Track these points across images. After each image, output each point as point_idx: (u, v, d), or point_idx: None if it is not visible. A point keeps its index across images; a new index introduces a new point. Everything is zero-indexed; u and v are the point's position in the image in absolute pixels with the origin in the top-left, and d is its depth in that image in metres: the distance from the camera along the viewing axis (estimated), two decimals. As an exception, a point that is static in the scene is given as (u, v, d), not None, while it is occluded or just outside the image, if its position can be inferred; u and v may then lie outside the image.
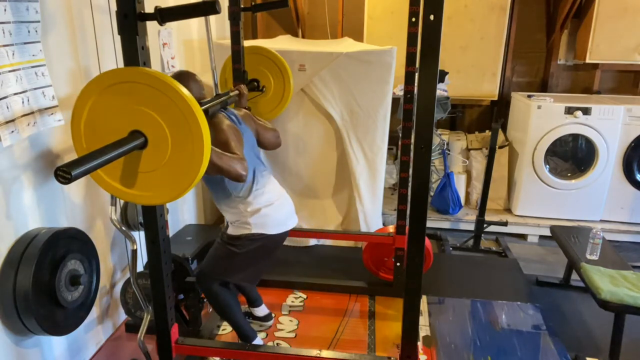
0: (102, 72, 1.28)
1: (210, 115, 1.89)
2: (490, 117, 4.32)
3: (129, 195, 1.35)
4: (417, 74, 1.35)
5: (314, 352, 1.81)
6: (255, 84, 2.62)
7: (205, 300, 2.37)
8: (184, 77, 1.93)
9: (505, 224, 3.59)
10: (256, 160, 2.12)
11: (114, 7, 1.36)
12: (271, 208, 2.07)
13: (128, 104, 1.25)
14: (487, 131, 4.21)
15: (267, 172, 2.17)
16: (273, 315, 2.57)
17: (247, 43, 2.68)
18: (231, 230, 2.10)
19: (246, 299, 2.53)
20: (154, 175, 1.31)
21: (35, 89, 1.76)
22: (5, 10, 1.61)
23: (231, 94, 2.17)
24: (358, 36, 4.11)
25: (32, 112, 1.75)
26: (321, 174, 3.47)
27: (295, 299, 2.78)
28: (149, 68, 1.27)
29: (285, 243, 2.26)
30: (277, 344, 2.38)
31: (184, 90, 1.23)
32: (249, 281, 2.25)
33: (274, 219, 2.08)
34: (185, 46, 3.11)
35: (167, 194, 1.33)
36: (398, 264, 2.70)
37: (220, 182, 1.98)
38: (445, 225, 3.91)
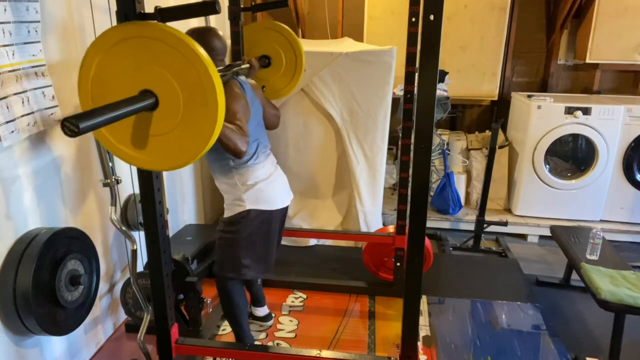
0: (115, 25, 1.20)
1: (222, 82, 1.86)
2: (490, 117, 4.32)
3: (135, 159, 1.29)
4: (417, 74, 1.35)
5: (314, 352, 1.81)
6: (267, 60, 2.57)
7: (205, 300, 2.37)
8: (206, 33, 1.88)
9: (505, 224, 3.59)
10: (261, 133, 2.09)
11: (114, 7, 1.36)
12: (265, 183, 2.04)
13: (141, 61, 1.18)
14: (487, 131, 4.21)
15: (268, 149, 2.15)
16: (273, 315, 2.57)
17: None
18: (227, 214, 2.07)
19: (251, 298, 2.52)
20: (163, 140, 1.24)
21: (35, 89, 1.76)
22: (5, 10, 1.61)
23: (242, 65, 2.13)
24: (358, 36, 4.11)
25: (32, 112, 1.75)
26: (321, 174, 3.47)
27: (295, 299, 2.78)
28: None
29: (285, 243, 2.26)
30: (277, 344, 2.38)
31: (203, 52, 1.16)
32: (260, 267, 2.16)
33: (268, 194, 2.05)
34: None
35: (175, 161, 1.27)
36: (398, 264, 2.70)
37: (219, 148, 1.88)
38: (445, 225, 3.91)
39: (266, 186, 2.04)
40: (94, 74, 1.23)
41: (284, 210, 2.18)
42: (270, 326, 2.52)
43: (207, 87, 1.17)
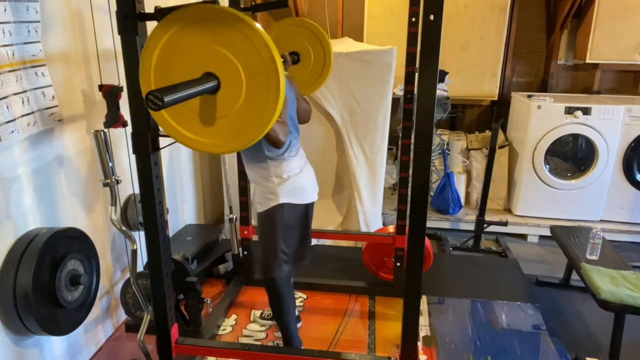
0: (186, 5, 1.21)
1: None
2: (490, 117, 4.32)
3: (192, 141, 1.31)
4: (417, 74, 1.35)
5: (314, 352, 1.81)
6: (296, 57, 2.56)
7: (205, 300, 2.37)
8: None
9: (505, 224, 3.59)
10: (294, 126, 2.11)
11: (114, 7, 1.36)
12: (297, 177, 2.07)
13: (206, 44, 1.20)
14: (487, 131, 4.21)
15: (299, 142, 2.18)
16: (300, 317, 2.55)
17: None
18: (260, 208, 2.09)
19: None
20: (221, 123, 1.26)
21: (35, 89, 1.76)
22: (5, 10, 1.61)
23: None
24: (358, 36, 4.11)
25: (32, 112, 1.75)
26: (321, 174, 3.44)
27: (295, 299, 2.78)
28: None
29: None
30: (277, 344, 2.37)
31: (269, 39, 1.18)
32: (301, 252, 2.20)
33: (300, 188, 2.08)
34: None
35: (231, 144, 1.28)
36: (398, 264, 2.70)
37: None
38: (445, 225, 3.91)
39: (298, 180, 2.08)
40: (157, 57, 1.24)
41: (312, 205, 2.21)
42: (300, 327, 2.50)
43: (271, 71, 1.18)
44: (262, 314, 2.57)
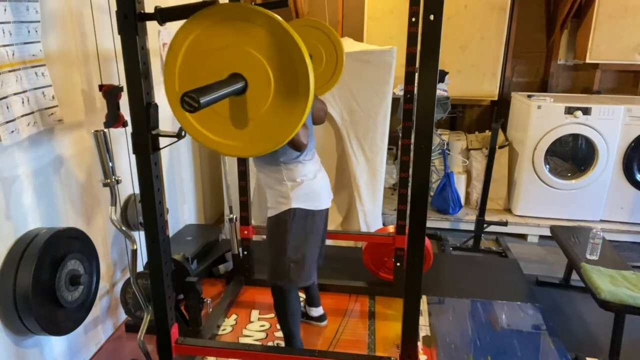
0: (216, 5, 1.20)
1: None
2: (490, 117, 4.32)
3: (217, 144, 1.29)
4: (417, 74, 1.34)
5: (314, 352, 1.81)
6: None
7: (205, 300, 2.37)
8: None
9: (505, 224, 3.59)
10: (310, 128, 2.05)
11: (114, 7, 1.36)
12: (311, 182, 2.00)
13: (235, 44, 1.18)
14: (487, 131, 4.21)
15: (314, 143, 2.11)
16: (326, 316, 2.54)
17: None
18: (271, 212, 2.02)
19: (306, 298, 2.50)
20: (247, 125, 1.24)
21: (35, 89, 1.76)
22: (5, 10, 1.61)
23: None
24: (358, 36, 4.11)
25: (32, 112, 1.75)
26: (321, 174, 3.46)
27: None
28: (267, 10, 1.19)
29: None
30: (277, 344, 2.37)
31: (302, 43, 1.16)
32: (308, 270, 2.09)
33: (313, 193, 2.01)
34: (185, 46, 3.10)
35: (258, 146, 1.26)
36: (398, 264, 2.70)
37: None
38: (445, 225, 3.91)
39: (312, 185, 2.00)
40: (182, 57, 1.23)
41: (327, 212, 2.14)
42: (325, 326, 2.50)
43: (301, 73, 1.16)
44: None
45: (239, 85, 1.19)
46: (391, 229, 2.78)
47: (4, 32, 1.61)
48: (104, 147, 1.84)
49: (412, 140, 2.42)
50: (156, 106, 1.47)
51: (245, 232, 2.74)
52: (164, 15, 1.38)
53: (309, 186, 1.99)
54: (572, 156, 3.93)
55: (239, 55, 1.19)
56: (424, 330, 2.49)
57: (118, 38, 1.39)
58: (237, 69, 1.20)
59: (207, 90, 1.07)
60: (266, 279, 2.12)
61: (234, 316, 2.61)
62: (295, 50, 1.15)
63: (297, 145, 1.77)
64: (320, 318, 2.52)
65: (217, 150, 1.33)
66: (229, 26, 1.18)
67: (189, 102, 1.01)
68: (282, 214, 1.98)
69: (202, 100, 1.02)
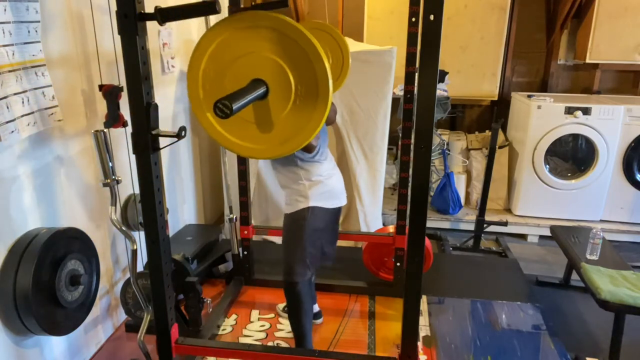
0: (242, 12, 1.24)
1: None
2: (490, 117, 4.32)
3: (237, 146, 1.34)
4: (417, 74, 1.34)
5: (314, 352, 1.81)
6: None
7: (205, 300, 2.37)
8: None
9: (505, 224, 3.59)
10: (323, 129, 2.10)
11: (114, 7, 1.36)
12: (327, 181, 2.07)
13: (259, 51, 1.23)
14: (487, 131, 4.21)
15: (327, 143, 2.17)
16: (321, 313, 2.57)
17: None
18: (288, 209, 2.09)
19: None
20: (267, 128, 1.29)
21: (35, 89, 1.76)
22: (5, 10, 1.61)
23: None
24: (358, 36, 4.11)
25: (32, 112, 1.75)
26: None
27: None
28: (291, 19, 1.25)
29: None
30: (277, 344, 2.37)
31: (324, 53, 1.20)
32: (327, 255, 2.19)
33: (329, 192, 2.08)
34: (185, 46, 3.11)
35: (276, 149, 1.32)
36: (398, 264, 2.70)
37: None
38: (445, 225, 3.91)
39: (328, 184, 2.08)
40: (206, 62, 1.27)
41: (340, 210, 2.20)
42: (320, 324, 2.52)
43: (321, 78, 1.21)
44: (284, 308, 2.56)
45: (262, 90, 1.23)
46: (391, 229, 2.78)
47: (4, 32, 1.61)
48: (104, 147, 1.84)
49: (412, 140, 2.42)
50: (156, 106, 1.47)
51: (245, 232, 2.74)
52: (164, 15, 1.38)
53: (326, 185, 2.07)
54: (572, 156, 3.93)
55: (260, 61, 1.23)
56: (424, 330, 2.49)
57: (118, 38, 1.39)
58: (259, 75, 1.24)
59: (236, 97, 1.11)
60: (282, 279, 2.13)
61: (234, 316, 2.61)
62: (319, 63, 1.21)
63: (308, 147, 1.84)
64: (316, 315, 2.53)
65: (235, 152, 1.39)
66: (254, 35, 1.22)
67: (222, 108, 1.06)
68: (300, 211, 2.05)
69: (235, 106, 1.07)
